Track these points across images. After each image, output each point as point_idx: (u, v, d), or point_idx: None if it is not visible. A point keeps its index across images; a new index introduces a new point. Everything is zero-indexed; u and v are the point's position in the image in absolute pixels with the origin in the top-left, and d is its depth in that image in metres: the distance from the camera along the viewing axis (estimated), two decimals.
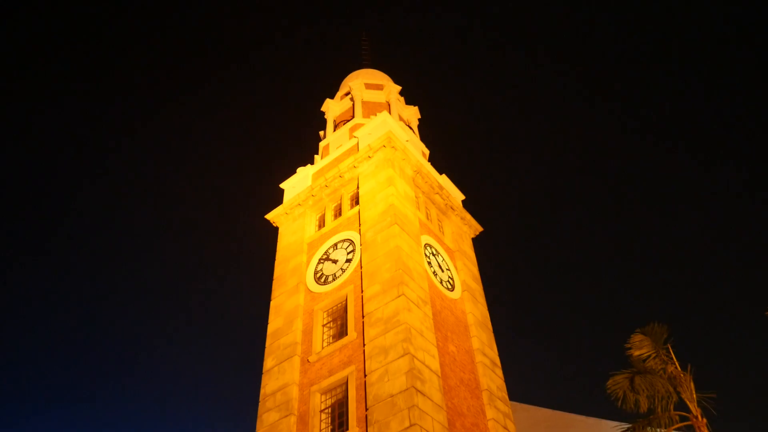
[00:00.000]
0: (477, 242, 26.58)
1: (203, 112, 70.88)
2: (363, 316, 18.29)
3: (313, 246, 23.00)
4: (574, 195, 63.65)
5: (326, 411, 17.32)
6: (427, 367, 16.65)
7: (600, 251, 61.29)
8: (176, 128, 68.98)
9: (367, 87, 30.91)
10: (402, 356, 16.32)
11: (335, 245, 21.99)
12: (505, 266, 60.37)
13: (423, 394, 15.75)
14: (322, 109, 31.80)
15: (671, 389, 14.83)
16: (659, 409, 14.69)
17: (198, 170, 67.12)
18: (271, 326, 21.01)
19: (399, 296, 17.77)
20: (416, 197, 23.71)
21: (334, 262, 21.33)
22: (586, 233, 61.89)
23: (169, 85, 69.32)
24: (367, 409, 15.99)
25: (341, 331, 19.05)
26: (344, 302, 19.76)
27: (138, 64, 67.55)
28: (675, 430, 14.60)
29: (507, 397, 19.92)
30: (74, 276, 60.72)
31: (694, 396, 14.60)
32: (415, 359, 16.29)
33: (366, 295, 18.76)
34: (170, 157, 66.33)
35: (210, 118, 70.64)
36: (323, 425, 17.00)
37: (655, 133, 62.21)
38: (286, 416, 17.58)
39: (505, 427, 18.58)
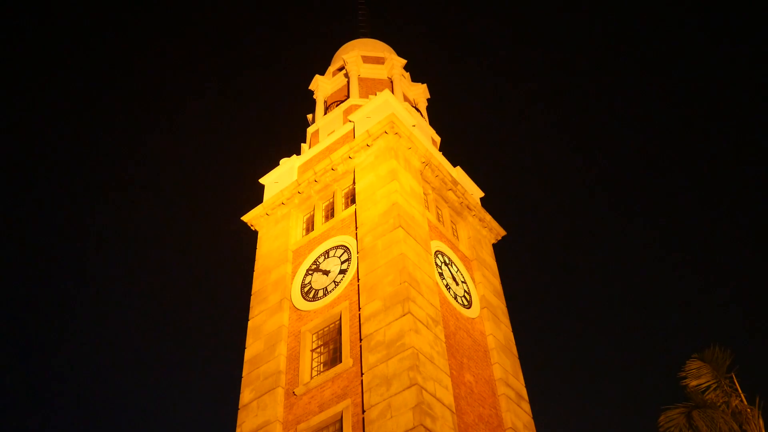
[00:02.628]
0: (499, 249, 26.71)
1: (164, 89, 70.90)
2: (360, 339, 18.34)
3: (299, 254, 23.04)
4: (616, 194, 63.75)
5: None
6: (438, 400, 16.66)
7: (649, 261, 61.36)
8: (129, 109, 69.11)
9: (365, 60, 30.99)
10: (408, 388, 16.33)
11: (326, 253, 22.05)
12: (533, 278, 60.29)
13: None
14: (311, 87, 31.89)
15: (736, 427, 14.82)
16: None
17: (155, 160, 67.18)
18: (249, 352, 21.07)
19: (404, 315, 17.82)
20: (425, 194, 23.76)
21: (326, 273, 21.38)
22: (631, 240, 61.94)
23: (120, 55, 69.47)
24: None
25: (334, 358, 19.09)
26: (338, 322, 19.80)
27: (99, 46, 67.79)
28: None
29: None
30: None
31: None
32: (424, 391, 16.30)
33: (364, 313, 18.80)
34: (120, 143, 66.43)
35: (179, 99, 70.67)
36: None
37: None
38: None
39: None
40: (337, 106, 29.14)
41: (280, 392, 19.12)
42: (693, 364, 15.80)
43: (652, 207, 63.00)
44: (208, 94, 72.83)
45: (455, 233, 24.71)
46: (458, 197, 25.05)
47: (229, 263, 64.75)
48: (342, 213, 22.95)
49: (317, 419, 17.74)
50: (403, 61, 31.65)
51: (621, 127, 65.71)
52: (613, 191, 64.67)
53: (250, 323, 21.99)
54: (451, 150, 28.89)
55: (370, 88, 29.46)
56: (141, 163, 67.82)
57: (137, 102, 69.18)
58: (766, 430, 14.82)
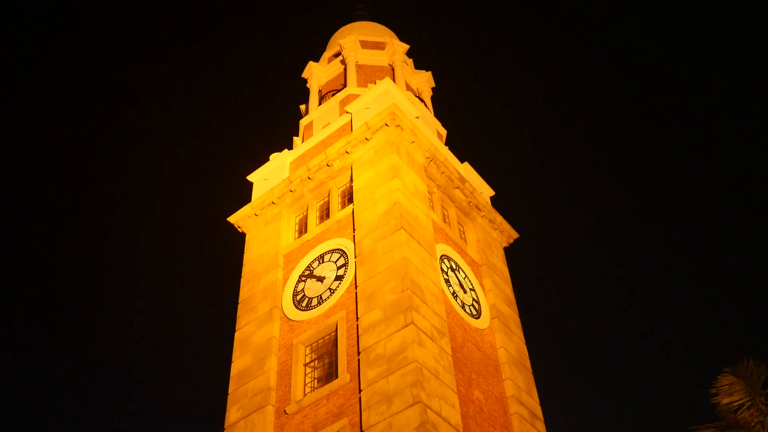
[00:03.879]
0: (511, 253, 26.64)
1: (143, 76, 70.63)
2: (358, 353, 18.32)
3: (291, 258, 23.02)
4: (642, 191, 63.47)
5: None
6: (444, 420, 16.61)
7: (675, 264, 61.26)
8: (108, 97, 69.06)
9: (363, 46, 31.01)
10: (411, 406, 16.31)
11: (321, 257, 22.03)
12: (548, 285, 60.21)
13: None
14: (304, 75, 31.92)
15: None
16: None
17: (130, 155, 66.90)
18: (236, 366, 21.06)
19: (407, 325, 17.81)
20: (429, 193, 23.73)
21: (320, 280, 21.37)
22: (660, 245, 61.62)
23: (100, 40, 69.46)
24: None
25: (329, 373, 19.07)
26: (333, 334, 19.79)
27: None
28: None
29: None
30: None
31: None
32: (428, 410, 16.26)
33: (362, 324, 18.78)
34: (98, 137, 66.33)
35: (153, 86, 70.39)
36: None
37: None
38: None
39: None
40: (332, 95, 29.13)
41: (269, 411, 19.09)
42: (725, 380, 15.76)
43: (683, 210, 62.73)
44: (189, 83, 72.59)
45: (463, 236, 24.70)
46: (466, 196, 25.03)
47: (213, 269, 64.74)
48: (338, 213, 22.93)
49: None
50: (406, 47, 31.67)
51: (649, 117, 65.57)
52: (640, 188, 64.25)
53: (236, 335, 21.98)
54: (459, 144, 29.06)
55: (369, 76, 29.50)
56: (114, 158, 67.49)
57: (111, 90, 69.01)
58: None
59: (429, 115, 28.95)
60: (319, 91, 30.74)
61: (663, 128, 65.53)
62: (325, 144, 25.52)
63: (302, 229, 24.06)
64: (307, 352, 20.12)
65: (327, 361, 19.42)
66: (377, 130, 23.31)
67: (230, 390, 20.54)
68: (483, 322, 21.85)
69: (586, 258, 62.89)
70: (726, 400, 15.56)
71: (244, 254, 24.57)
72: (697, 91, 64.73)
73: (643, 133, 65.79)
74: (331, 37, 33.58)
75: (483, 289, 23.11)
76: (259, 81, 71.99)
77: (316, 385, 19.14)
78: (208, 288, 61.41)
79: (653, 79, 65.70)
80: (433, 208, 23.45)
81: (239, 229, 25.68)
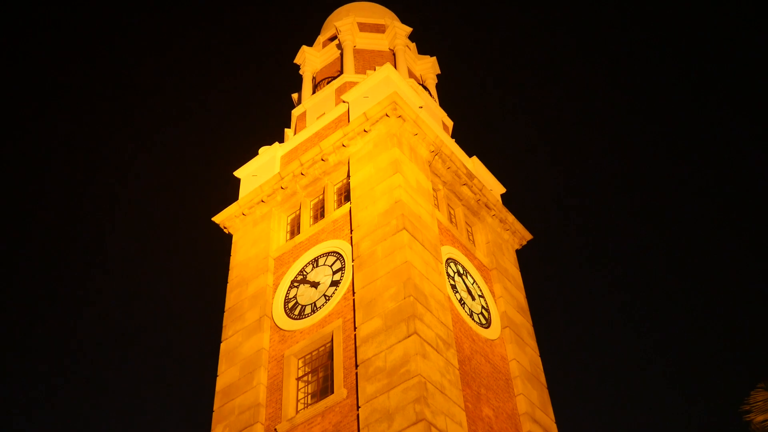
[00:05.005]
0: (524, 256, 26.59)
1: (118, 58, 70.02)
2: (356, 366, 18.26)
3: (282, 262, 22.98)
4: (663, 188, 63.20)
5: None
6: None
7: (703, 269, 60.97)
8: (83, 83, 68.80)
9: (361, 28, 31.03)
10: (414, 424, 16.20)
11: (315, 261, 21.99)
12: (565, 291, 60.01)
13: None
14: (296, 61, 31.97)
15: None
16: None
17: (111, 151, 66.58)
18: (222, 380, 21.01)
19: (409, 336, 17.72)
20: (434, 190, 23.68)
21: (314, 285, 21.31)
22: (683, 243, 61.41)
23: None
24: None
25: (324, 388, 19.00)
26: (329, 345, 19.75)
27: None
28: None
29: None
30: None
31: None
32: (433, 428, 16.15)
33: (361, 334, 18.71)
34: (74, 128, 66.09)
35: (129, 70, 69.67)
36: None
37: None
38: None
39: None
40: (328, 83, 29.14)
41: (258, 429, 19.03)
42: (759, 396, 15.77)
43: (716, 214, 62.05)
44: (169, 68, 72.27)
45: (471, 237, 24.65)
46: (475, 194, 24.98)
47: (197, 273, 64.53)
48: (334, 213, 22.90)
49: None
50: (408, 29, 31.64)
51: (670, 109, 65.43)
52: (652, 187, 63.91)
53: (222, 346, 21.92)
54: (467, 137, 28.95)
55: (368, 61, 29.50)
56: (81, 150, 66.98)
57: (79, 73, 68.74)
58: None
59: (434, 104, 28.89)
60: (313, 78, 30.74)
61: (687, 124, 65.30)
62: (319, 136, 25.49)
63: (294, 229, 24.01)
64: (300, 364, 20.08)
65: (322, 375, 19.38)
66: (377, 121, 23.27)
67: (215, 407, 20.50)
68: (493, 332, 21.81)
69: (609, 262, 62.36)
70: (760, 418, 15.61)
71: (231, 257, 24.52)
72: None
73: (675, 124, 65.52)
74: (326, 19, 33.58)
75: (493, 296, 23.10)
76: (246, 67, 71.86)
77: (309, 401, 19.07)
78: (191, 295, 61.27)
79: (685, 70, 65.42)
80: (438, 207, 23.39)
81: (225, 230, 25.65)
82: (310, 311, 20.78)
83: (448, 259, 21.80)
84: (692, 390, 57.70)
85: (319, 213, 23.68)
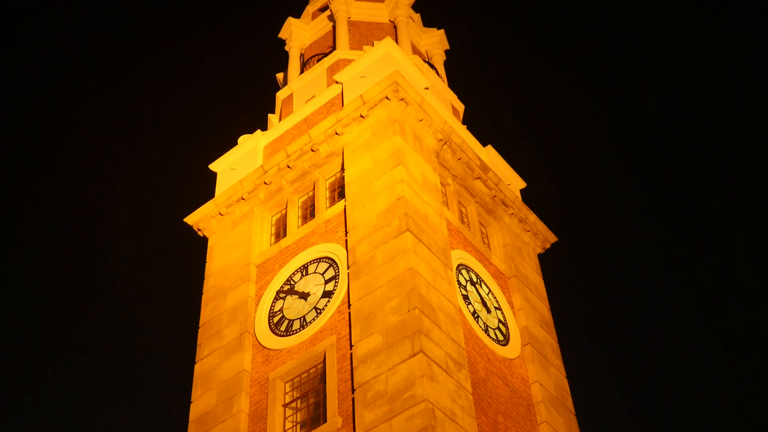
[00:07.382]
0: (547, 261, 26.05)
1: (81, 39, 66.26)
2: (353, 390, 17.71)
3: (266, 270, 22.55)
4: (706, 182, 59.97)
5: None
6: None
7: (744, 274, 58.01)
8: (36, 65, 65.67)
9: None
10: None
11: (305, 268, 21.57)
12: (594, 302, 57.39)
13: None
14: (281, 35, 31.50)
15: None
16: None
17: (72, 141, 63.57)
18: (197, 407, 20.57)
19: (414, 355, 17.07)
20: (443, 185, 23.26)
21: (304, 297, 20.81)
22: (723, 246, 58.82)
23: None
24: None
25: (316, 416, 18.52)
26: (321, 366, 19.30)
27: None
28: None
29: None
30: None
31: None
32: None
33: (358, 353, 18.18)
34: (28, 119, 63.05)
35: (96, 53, 66.06)
36: None
37: None
38: None
39: None
40: (318, 61, 28.60)
41: None
42: None
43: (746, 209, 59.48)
44: (135, 44, 69.37)
45: (485, 240, 24.13)
46: (490, 189, 24.41)
47: (167, 284, 62.91)
48: (326, 212, 22.39)
49: None
50: None
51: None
52: (693, 182, 60.89)
53: (197, 367, 21.50)
54: (481, 123, 27.48)
55: (365, 35, 29.03)
56: (48, 143, 64.30)
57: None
58: None
59: (442, 85, 28.47)
60: (302, 55, 30.29)
61: (721, 119, 62.34)
62: (308, 123, 25.03)
63: (280, 232, 23.59)
64: (288, 389, 19.54)
65: (312, 401, 18.81)
66: (375, 104, 22.73)
67: None
68: (512, 350, 21.35)
69: (643, 268, 60.45)
70: None
71: (206, 264, 24.21)
72: None
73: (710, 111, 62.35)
74: None
75: (512, 308, 22.65)
76: (222, 42, 69.54)
77: None
78: (160, 309, 59.37)
79: (714, 57, 62.28)
80: (447, 205, 22.90)
81: (199, 233, 25.24)
82: (298, 327, 20.26)
83: (459, 265, 21.40)
84: (740, 415, 54.66)
85: (309, 212, 23.25)
